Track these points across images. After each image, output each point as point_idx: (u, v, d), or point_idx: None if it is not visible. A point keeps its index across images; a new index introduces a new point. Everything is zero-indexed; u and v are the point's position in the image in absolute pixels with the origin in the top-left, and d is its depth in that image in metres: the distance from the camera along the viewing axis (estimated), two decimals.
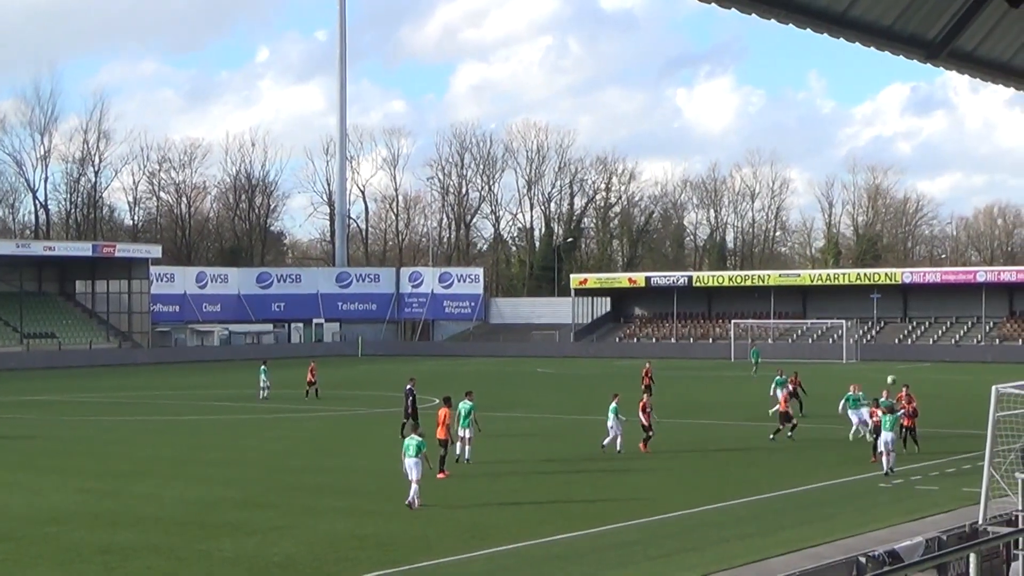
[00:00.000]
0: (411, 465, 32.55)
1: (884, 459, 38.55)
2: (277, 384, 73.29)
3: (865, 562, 20.91)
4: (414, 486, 32.30)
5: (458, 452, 40.59)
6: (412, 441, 32.95)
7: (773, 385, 56.39)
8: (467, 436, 41.23)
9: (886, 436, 38.64)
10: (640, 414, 45.08)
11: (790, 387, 54.41)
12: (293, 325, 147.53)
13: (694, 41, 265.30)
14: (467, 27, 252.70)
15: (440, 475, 37.06)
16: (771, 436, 46.86)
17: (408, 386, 49.52)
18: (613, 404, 44.67)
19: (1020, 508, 21.64)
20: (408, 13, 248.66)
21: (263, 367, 71.12)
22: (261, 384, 69.94)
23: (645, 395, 46.58)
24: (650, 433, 44.75)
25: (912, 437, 43.80)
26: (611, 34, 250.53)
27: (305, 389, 70.65)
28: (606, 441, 44.48)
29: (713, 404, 61.32)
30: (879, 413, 41.02)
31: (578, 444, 46.88)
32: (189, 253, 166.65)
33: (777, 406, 50.91)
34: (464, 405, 41.73)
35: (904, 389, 47.17)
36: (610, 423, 44.47)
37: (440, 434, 38.28)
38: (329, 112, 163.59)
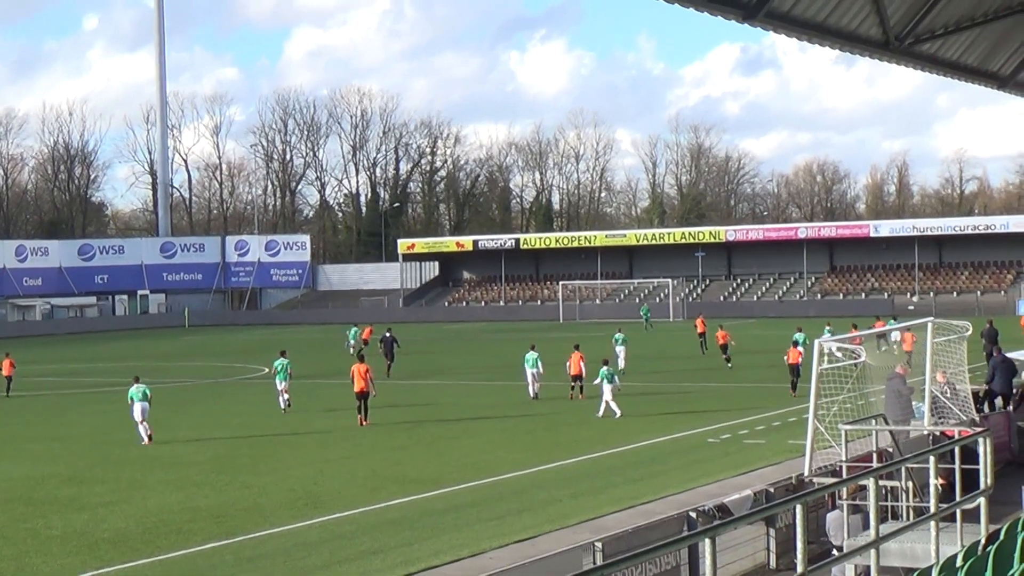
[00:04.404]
0: (139, 410, 38.55)
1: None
2: (101, 357, 71.74)
3: (695, 516, 21.25)
4: (142, 426, 38.50)
5: (282, 405, 46.09)
6: (138, 389, 38.75)
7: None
8: (283, 387, 46.34)
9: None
10: (574, 365, 47.89)
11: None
12: (117, 297, 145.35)
13: (530, 5, 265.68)
14: None
15: (363, 423, 41.60)
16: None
17: (386, 333, 57.31)
18: (530, 354, 48.66)
19: (844, 459, 22.15)
20: None
21: (354, 328, 79.36)
22: (351, 340, 76.47)
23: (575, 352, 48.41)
24: (577, 383, 47.83)
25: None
26: None
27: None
28: (533, 389, 48.47)
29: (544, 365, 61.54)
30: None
31: (409, 410, 46.88)
32: (8, 226, 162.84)
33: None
34: (280, 362, 46.87)
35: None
36: (528, 373, 48.35)
37: (358, 388, 42.05)
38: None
